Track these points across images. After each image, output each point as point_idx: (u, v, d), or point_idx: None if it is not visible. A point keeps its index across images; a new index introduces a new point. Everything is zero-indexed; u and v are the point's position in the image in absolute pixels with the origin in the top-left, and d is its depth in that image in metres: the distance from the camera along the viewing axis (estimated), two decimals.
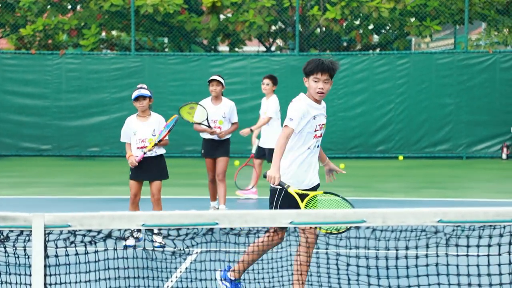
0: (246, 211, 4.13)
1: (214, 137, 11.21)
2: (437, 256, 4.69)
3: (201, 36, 21.86)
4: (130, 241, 8.28)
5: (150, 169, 9.57)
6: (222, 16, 21.65)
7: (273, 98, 13.02)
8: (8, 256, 4.35)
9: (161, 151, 9.71)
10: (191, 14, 21.63)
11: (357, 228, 4.36)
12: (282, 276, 5.17)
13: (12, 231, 4.10)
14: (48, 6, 21.87)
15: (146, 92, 9.60)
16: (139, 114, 9.69)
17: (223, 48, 24.43)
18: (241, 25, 21.24)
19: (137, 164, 9.42)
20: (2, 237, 4.14)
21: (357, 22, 21.88)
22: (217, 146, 11.28)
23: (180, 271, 6.47)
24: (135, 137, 9.61)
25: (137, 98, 9.60)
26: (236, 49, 22.16)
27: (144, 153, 9.44)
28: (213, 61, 20.63)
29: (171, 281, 5.81)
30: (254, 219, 4.15)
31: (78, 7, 22.33)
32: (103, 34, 22.20)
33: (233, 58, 20.76)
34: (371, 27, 22.01)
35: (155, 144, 9.47)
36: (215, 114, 11.30)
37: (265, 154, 12.97)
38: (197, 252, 7.27)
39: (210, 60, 20.67)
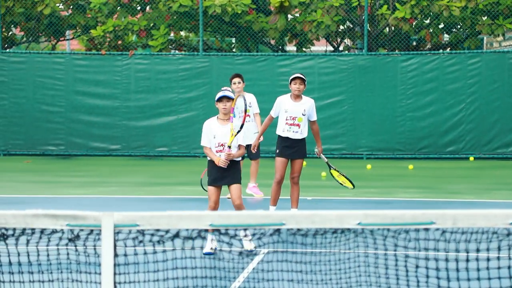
0: (313, 211, 4.11)
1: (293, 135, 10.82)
2: (509, 258, 4.58)
3: (268, 36, 21.86)
4: (208, 249, 8.18)
5: (227, 173, 9.11)
6: (289, 16, 21.62)
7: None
8: (78, 254, 4.40)
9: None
10: (259, 14, 21.66)
11: (427, 229, 4.29)
12: (350, 277, 5.12)
13: (82, 230, 4.15)
14: (118, 7, 22.17)
15: (231, 94, 9.20)
16: (219, 117, 9.20)
17: (291, 48, 24.39)
18: (308, 25, 21.18)
19: (228, 162, 9.02)
20: (73, 236, 4.20)
21: (427, 21, 21.60)
22: (295, 146, 10.80)
23: (248, 271, 6.47)
24: (214, 140, 9.19)
25: (221, 99, 9.10)
26: (304, 49, 22.10)
27: (229, 147, 9.05)
28: (280, 61, 20.62)
29: (238, 281, 5.82)
30: (321, 220, 4.13)
31: (147, 8, 22.56)
32: (172, 34, 22.39)
33: (301, 58, 20.71)
34: (441, 26, 21.69)
35: (237, 133, 9.04)
36: (294, 111, 10.86)
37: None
38: (264, 253, 7.26)
39: (277, 60, 20.66)
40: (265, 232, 4.40)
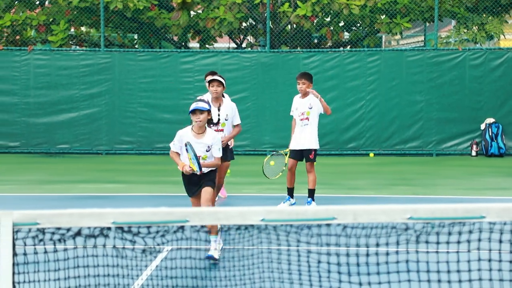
0: (216, 208, 4.11)
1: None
2: (408, 253, 4.70)
3: (171, 33, 21.78)
4: (213, 252, 7.76)
5: (201, 181, 8.59)
6: (192, 13, 21.58)
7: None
8: None
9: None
10: (161, 10, 21.54)
11: (328, 225, 4.36)
12: (253, 273, 5.15)
13: None
14: (16, 1, 21.67)
15: (204, 106, 8.45)
16: (194, 129, 8.53)
17: (194, 44, 24.37)
18: (211, 22, 21.19)
19: (190, 172, 8.42)
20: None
21: (328, 19, 21.93)
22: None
23: (151, 269, 6.44)
24: (187, 153, 8.52)
25: (194, 112, 8.44)
26: (207, 45, 22.11)
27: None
28: (183, 58, 20.57)
29: (142, 279, 5.78)
30: (225, 216, 4.14)
31: (47, 2, 22.14)
32: (72, 30, 22.03)
33: (204, 54, 20.71)
34: (341, 24, 22.07)
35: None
36: (215, 116, 10.64)
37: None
38: (167, 250, 7.24)
39: (180, 56, 20.60)
40: (168, 229, 4.38)
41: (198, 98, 8.73)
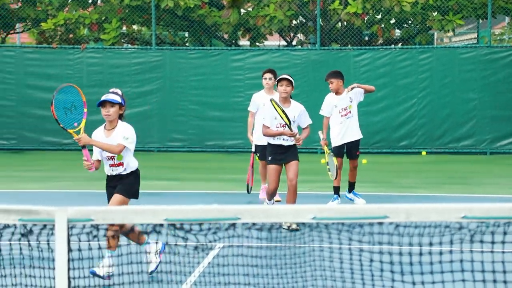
0: (268, 206, 4.12)
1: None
2: (462, 252, 4.64)
3: (221, 31, 21.84)
4: (99, 270, 6.48)
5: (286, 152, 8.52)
6: (242, 10, 21.61)
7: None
8: (32, 250, 4.36)
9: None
10: (212, 8, 21.61)
11: (381, 223, 4.33)
12: (305, 271, 5.14)
13: (35, 225, 4.10)
14: (69, 0, 21.94)
15: (115, 98, 7.69)
16: (106, 126, 7.83)
17: (244, 42, 24.41)
18: (261, 20, 21.19)
19: (90, 169, 7.73)
20: (26, 230, 4.15)
21: (379, 17, 21.77)
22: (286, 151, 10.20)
23: (203, 266, 6.47)
24: (101, 152, 7.81)
25: (103, 104, 7.67)
26: (257, 43, 22.12)
27: (84, 147, 7.74)
28: (234, 56, 20.61)
29: (194, 275, 5.81)
30: (277, 214, 4.13)
31: (99, 1, 22.37)
32: (124, 28, 22.24)
33: (254, 52, 20.73)
34: (392, 21, 21.89)
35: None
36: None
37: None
38: (219, 247, 7.26)
39: (231, 54, 20.65)
40: (220, 227, 4.39)
41: (111, 90, 7.96)
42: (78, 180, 15.13)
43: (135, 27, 22.50)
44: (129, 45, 22.12)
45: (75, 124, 7.82)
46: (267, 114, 10.10)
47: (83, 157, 7.63)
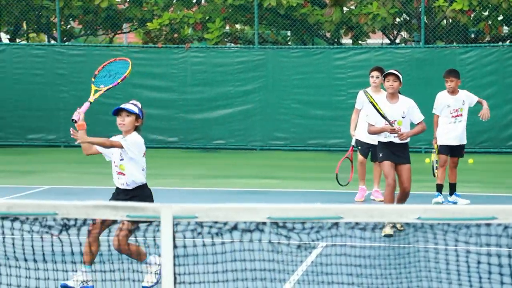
0: (372, 205, 4.07)
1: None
2: None
3: (324, 29, 21.77)
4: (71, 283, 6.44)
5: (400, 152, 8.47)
6: (345, 9, 21.49)
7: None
8: (138, 245, 4.45)
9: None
10: (314, 7, 21.57)
11: (488, 225, 4.22)
12: (410, 272, 5.07)
13: (142, 221, 4.18)
14: (174, 1, 22.30)
15: (132, 108, 7.47)
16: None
17: (346, 41, 24.26)
18: (364, 18, 21.02)
19: (77, 116, 7.49)
20: (132, 227, 4.24)
21: (486, 13, 21.26)
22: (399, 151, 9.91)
23: (306, 265, 6.46)
24: (113, 157, 7.65)
25: (119, 113, 7.43)
26: (360, 41, 21.95)
27: (90, 103, 7.74)
28: (336, 54, 20.52)
29: (297, 274, 5.81)
30: (380, 213, 4.09)
31: (203, 1, 22.66)
32: (227, 27, 22.45)
33: (357, 51, 20.58)
34: (500, 18, 21.33)
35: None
36: (392, 115, 9.91)
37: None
38: (322, 246, 7.24)
39: (333, 53, 20.56)
40: (323, 226, 4.38)
41: (131, 101, 7.72)
42: (183, 178, 15.36)
43: (238, 26, 22.68)
44: (232, 44, 22.32)
45: (101, 86, 7.88)
46: (371, 112, 9.97)
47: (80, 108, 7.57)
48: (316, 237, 4.43)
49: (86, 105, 7.64)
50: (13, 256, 4.82)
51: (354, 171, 12.35)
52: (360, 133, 12.10)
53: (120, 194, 7.24)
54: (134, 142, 7.44)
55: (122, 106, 7.34)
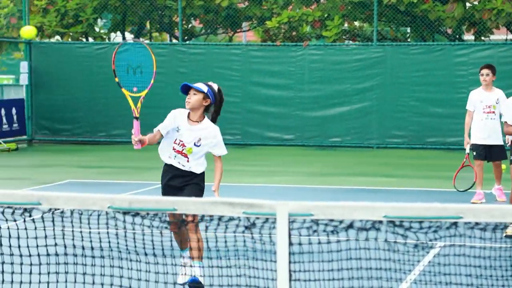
0: (492, 205, 3.97)
1: None
2: None
3: (445, 25, 21.37)
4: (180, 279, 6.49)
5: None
6: (468, 4, 21.03)
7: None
8: (254, 242, 4.49)
9: None
10: (435, 3, 21.20)
11: None
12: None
13: (258, 218, 4.22)
14: None
15: (201, 87, 7.02)
16: (189, 114, 7.14)
17: (469, 37, 23.73)
18: (488, 13, 20.50)
19: (138, 145, 6.96)
20: (249, 223, 4.28)
21: None
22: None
23: (423, 264, 6.37)
24: (177, 134, 7.10)
25: (187, 90, 7.06)
26: (482, 38, 21.43)
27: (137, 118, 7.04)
28: (457, 51, 20.10)
29: (414, 274, 5.74)
30: (501, 214, 3.98)
31: None
32: (346, 25, 22.35)
33: (479, 47, 20.10)
34: None
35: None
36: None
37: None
38: (440, 246, 7.11)
39: (454, 49, 20.15)
40: (441, 225, 4.30)
41: (208, 82, 7.19)
42: (298, 175, 15.40)
43: (356, 23, 22.54)
44: (350, 42, 22.21)
45: (135, 89, 7.10)
46: (507, 111, 9.66)
47: (132, 130, 6.93)
48: (434, 237, 4.36)
49: (136, 125, 7.02)
50: (134, 251, 4.95)
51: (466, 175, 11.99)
52: (474, 136, 11.81)
53: (176, 174, 7.03)
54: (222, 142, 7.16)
55: (189, 83, 7.04)
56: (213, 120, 7.08)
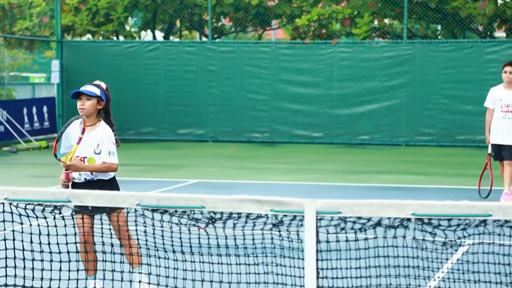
0: None
1: None
2: None
3: (476, 22, 21.21)
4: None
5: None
6: (499, 1, 20.85)
7: None
8: (282, 239, 4.50)
9: None
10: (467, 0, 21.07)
11: None
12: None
13: (286, 215, 4.23)
14: None
15: (93, 90, 6.61)
16: (83, 121, 6.67)
17: (500, 34, 23.54)
18: None
19: (66, 184, 6.53)
20: (276, 221, 4.29)
21: None
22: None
23: (452, 262, 6.34)
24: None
25: (78, 96, 6.60)
26: None
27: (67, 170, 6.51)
28: (488, 48, 19.94)
29: (442, 271, 5.71)
30: None
31: None
32: (376, 22, 22.27)
33: (510, 44, 19.92)
34: None
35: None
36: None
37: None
38: (469, 244, 7.08)
39: (485, 47, 20.00)
40: (470, 223, 4.29)
41: (94, 82, 6.80)
42: (326, 173, 15.38)
43: (386, 21, 22.45)
44: (380, 39, 22.12)
45: (67, 151, 6.55)
46: None
47: (62, 176, 6.53)
48: (463, 235, 4.35)
49: (67, 174, 6.56)
50: (162, 248, 4.99)
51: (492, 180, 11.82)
52: (493, 135, 11.63)
53: (83, 187, 6.57)
54: (114, 147, 6.74)
55: (82, 89, 6.61)
56: (108, 119, 6.80)
